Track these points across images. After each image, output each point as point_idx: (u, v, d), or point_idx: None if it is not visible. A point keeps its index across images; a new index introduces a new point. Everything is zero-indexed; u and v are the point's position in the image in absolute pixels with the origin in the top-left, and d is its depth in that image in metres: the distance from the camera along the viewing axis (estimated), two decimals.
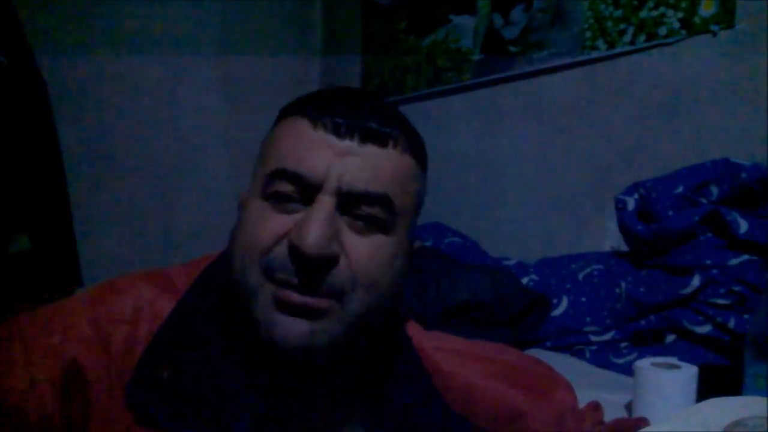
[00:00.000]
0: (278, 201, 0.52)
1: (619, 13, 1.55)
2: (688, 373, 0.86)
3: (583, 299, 1.35)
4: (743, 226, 1.17)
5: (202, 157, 2.17)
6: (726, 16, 1.37)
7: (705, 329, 1.17)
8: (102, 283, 0.58)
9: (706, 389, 0.84)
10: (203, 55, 2.15)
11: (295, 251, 0.50)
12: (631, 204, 1.34)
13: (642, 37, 1.51)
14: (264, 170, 0.54)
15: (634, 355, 1.21)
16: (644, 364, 0.88)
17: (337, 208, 0.51)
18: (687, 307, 1.21)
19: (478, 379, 0.65)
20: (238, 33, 2.23)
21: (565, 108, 1.70)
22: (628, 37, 1.53)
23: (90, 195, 1.89)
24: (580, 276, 1.40)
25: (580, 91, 1.66)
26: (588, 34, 1.62)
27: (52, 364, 0.50)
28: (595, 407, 0.71)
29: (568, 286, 1.39)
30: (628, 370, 1.09)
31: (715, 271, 1.18)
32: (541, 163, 1.76)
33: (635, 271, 1.33)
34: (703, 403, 0.55)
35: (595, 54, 1.61)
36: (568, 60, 1.67)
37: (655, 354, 1.17)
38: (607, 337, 1.29)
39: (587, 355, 1.28)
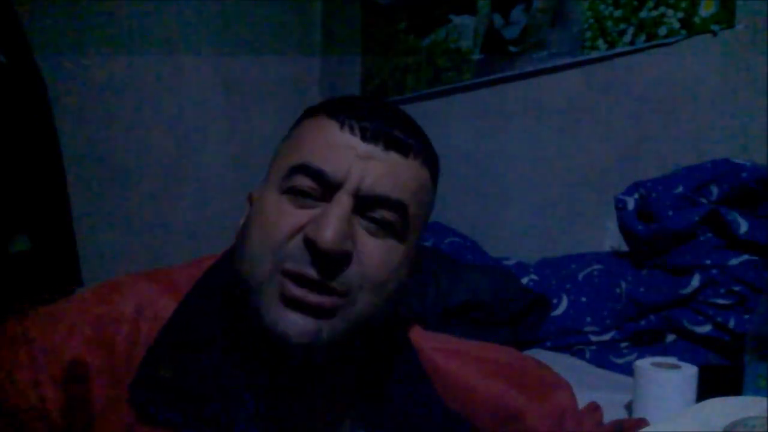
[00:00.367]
0: (296, 196, 0.53)
1: (619, 13, 1.55)
2: (688, 373, 0.86)
3: (583, 299, 1.35)
4: (743, 226, 1.18)
5: (203, 157, 2.17)
6: (726, 16, 1.37)
7: (705, 329, 1.18)
8: (103, 282, 0.58)
9: (706, 389, 0.84)
10: (203, 55, 2.15)
11: (310, 245, 0.50)
12: (631, 204, 1.34)
13: (642, 37, 1.51)
14: (285, 164, 0.54)
15: (634, 355, 1.22)
16: (644, 364, 0.89)
17: (354, 208, 0.52)
18: (687, 307, 1.21)
19: (478, 379, 0.65)
20: (238, 33, 2.24)
21: (565, 108, 1.70)
22: (628, 37, 1.54)
23: (90, 195, 1.89)
24: (580, 276, 1.40)
25: (580, 91, 1.67)
26: (588, 34, 1.62)
27: (54, 363, 0.50)
28: (595, 408, 0.71)
29: (568, 286, 1.39)
30: (628, 370, 1.09)
31: (715, 271, 1.18)
32: (541, 163, 1.76)
33: (635, 271, 1.33)
34: (703, 403, 0.55)
35: (595, 54, 1.61)
36: (568, 60, 1.67)
37: (655, 354, 1.17)
38: (607, 337, 1.29)
39: (587, 355, 1.28)
